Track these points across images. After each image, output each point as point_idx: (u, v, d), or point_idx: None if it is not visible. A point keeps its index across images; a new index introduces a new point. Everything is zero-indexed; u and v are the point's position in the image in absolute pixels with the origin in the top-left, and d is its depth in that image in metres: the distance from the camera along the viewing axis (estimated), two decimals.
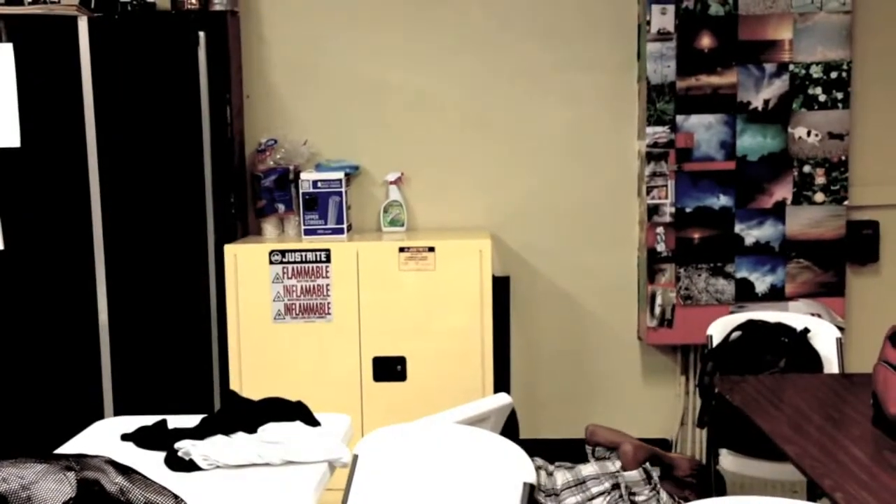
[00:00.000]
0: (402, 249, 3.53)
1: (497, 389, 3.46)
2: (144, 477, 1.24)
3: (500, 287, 3.77)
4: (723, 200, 3.75)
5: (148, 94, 3.56)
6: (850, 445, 2.09)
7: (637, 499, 2.58)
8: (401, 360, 3.55)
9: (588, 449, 2.96)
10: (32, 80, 3.53)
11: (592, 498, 2.62)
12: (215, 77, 3.59)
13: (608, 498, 2.61)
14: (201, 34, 3.56)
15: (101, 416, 3.46)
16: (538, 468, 2.67)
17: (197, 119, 3.58)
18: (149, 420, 2.31)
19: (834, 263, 3.78)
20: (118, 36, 3.55)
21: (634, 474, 2.60)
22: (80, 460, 1.21)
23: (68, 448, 2.20)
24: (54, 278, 3.62)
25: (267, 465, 2.05)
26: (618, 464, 2.72)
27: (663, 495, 2.57)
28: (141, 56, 3.55)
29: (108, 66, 3.54)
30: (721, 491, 2.84)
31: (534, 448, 2.28)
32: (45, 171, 3.59)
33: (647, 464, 2.64)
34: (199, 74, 3.55)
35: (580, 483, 2.65)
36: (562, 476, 2.67)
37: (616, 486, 2.63)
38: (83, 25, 3.51)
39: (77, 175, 3.57)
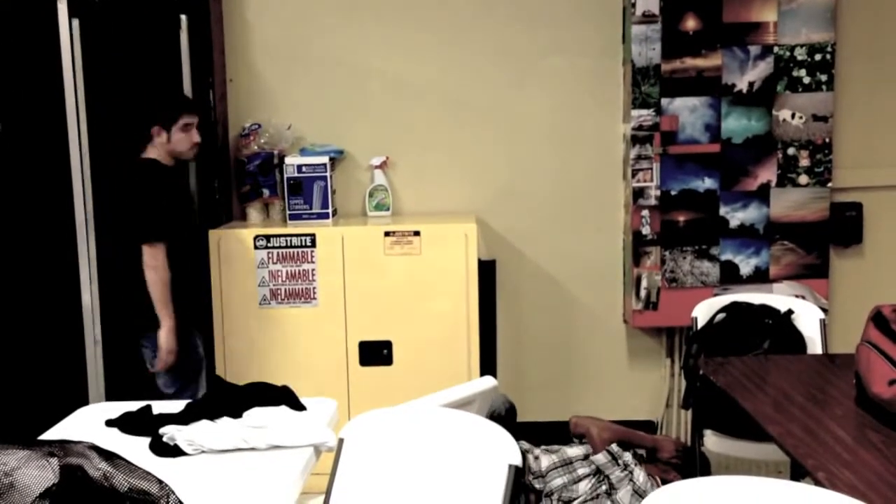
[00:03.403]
0: (387, 234, 3.52)
1: (483, 373, 3.46)
2: (128, 462, 1.24)
3: (486, 271, 3.77)
4: (707, 183, 3.76)
5: (130, 77, 3.53)
6: (833, 425, 2.10)
7: (612, 480, 2.59)
8: (387, 345, 3.55)
9: (575, 441, 2.96)
10: (12, 63, 3.50)
11: (579, 479, 2.63)
12: (198, 60, 3.57)
13: (593, 480, 2.62)
14: (183, 17, 3.53)
15: (85, 402, 3.45)
16: (525, 452, 2.67)
17: None
18: (133, 405, 2.31)
19: (818, 245, 3.80)
20: (99, 19, 3.52)
21: (600, 457, 2.61)
22: (63, 446, 1.21)
23: (52, 434, 2.19)
24: (38, 262, 3.60)
25: (252, 449, 2.05)
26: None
27: (639, 475, 2.57)
28: (122, 39, 3.52)
29: (88, 49, 3.51)
30: (705, 471, 2.85)
31: (519, 431, 2.28)
32: (28, 154, 3.56)
33: (615, 445, 2.64)
34: (182, 58, 3.52)
35: (567, 464, 2.66)
36: (547, 458, 2.67)
37: (598, 472, 2.64)
38: (63, 8, 3.47)
39: (60, 158, 3.54)
